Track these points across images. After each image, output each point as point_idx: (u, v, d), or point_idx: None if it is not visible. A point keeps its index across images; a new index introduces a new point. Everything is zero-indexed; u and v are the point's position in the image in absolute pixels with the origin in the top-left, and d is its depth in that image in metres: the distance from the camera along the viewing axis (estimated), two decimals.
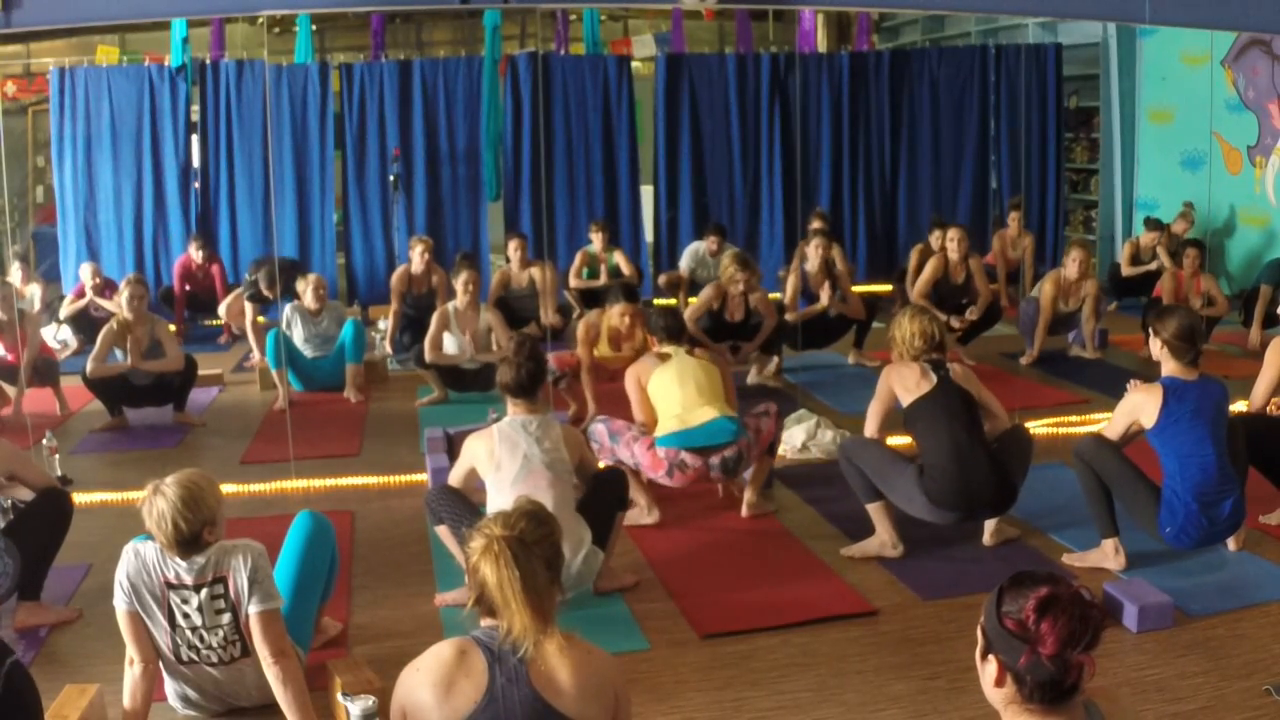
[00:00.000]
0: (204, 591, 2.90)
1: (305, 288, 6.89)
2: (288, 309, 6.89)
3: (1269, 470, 4.28)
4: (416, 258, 7.61)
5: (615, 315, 5.96)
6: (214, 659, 2.98)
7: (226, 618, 2.93)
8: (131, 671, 2.93)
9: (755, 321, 6.64)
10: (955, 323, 7.00)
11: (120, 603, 2.90)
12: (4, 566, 3.58)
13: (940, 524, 4.12)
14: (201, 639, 2.94)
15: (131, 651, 2.93)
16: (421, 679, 2.18)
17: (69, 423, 6.35)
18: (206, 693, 3.05)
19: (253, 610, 2.89)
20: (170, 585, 2.90)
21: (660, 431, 4.47)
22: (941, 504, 4.02)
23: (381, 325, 7.93)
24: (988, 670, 1.85)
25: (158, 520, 2.85)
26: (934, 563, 4.13)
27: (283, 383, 6.61)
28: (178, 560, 2.90)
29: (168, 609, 2.91)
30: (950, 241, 7.30)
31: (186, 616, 2.91)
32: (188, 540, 2.87)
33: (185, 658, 2.97)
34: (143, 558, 2.91)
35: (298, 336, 6.89)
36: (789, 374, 7.05)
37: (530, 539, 2.20)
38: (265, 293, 7.46)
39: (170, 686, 3.07)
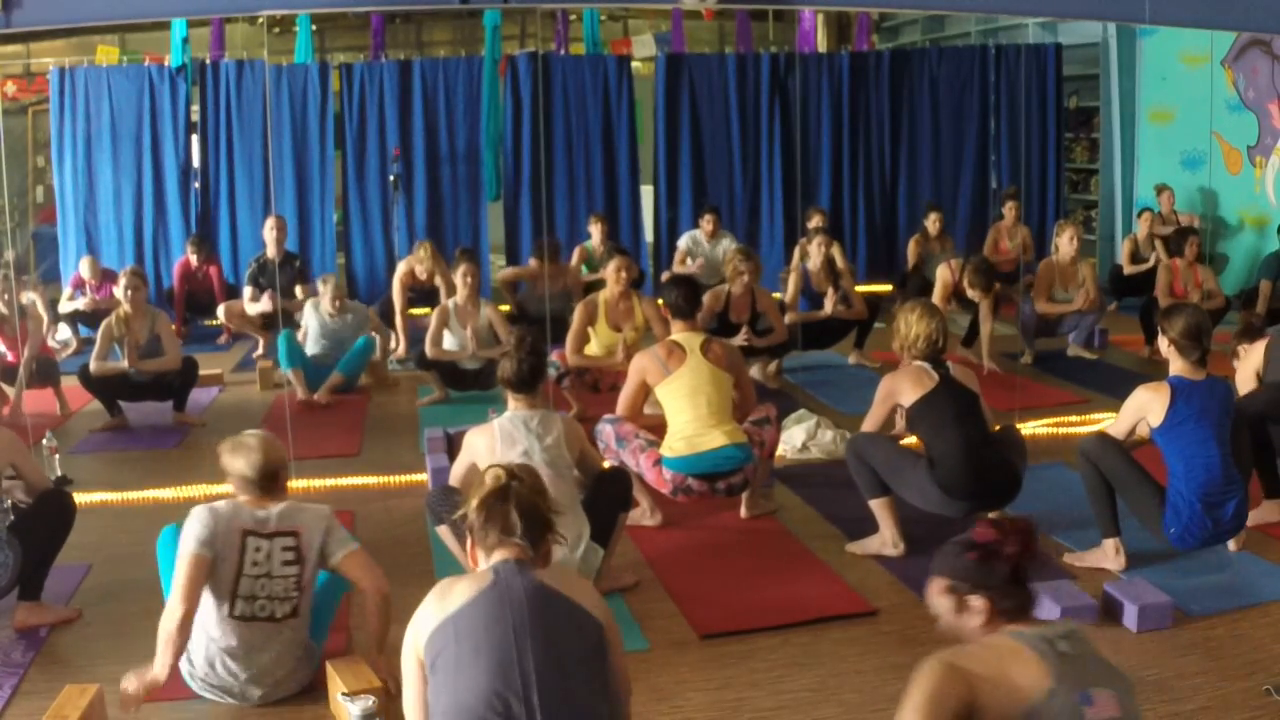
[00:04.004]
0: (277, 541, 3.10)
1: (324, 290, 6.98)
2: (308, 305, 7.00)
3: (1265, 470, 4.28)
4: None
5: (610, 272, 6.19)
6: (265, 614, 3.08)
7: (293, 569, 3.11)
8: (166, 626, 2.97)
9: (763, 327, 6.58)
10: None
11: (191, 545, 3.01)
12: (4, 558, 3.59)
13: (951, 516, 4.08)
14: (263, 587, 3.07)
15: (177, 599, 2.98)
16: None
17: (69, 423, 6.35)
18: (237, 657, 3.08)
19: (343, 555, 3.15)
20: (248, 532, 3.07)
21: (668, 452, 4.37)
22: (955, 493, 4.02)
23: None
24: (973, 614, 2.10)
25: (246, 452, 3.13)
26: None
27: (299, 382, 6.63)
28: (255, 511, 3.11)
29: (239, 554, 3.05)
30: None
31: (256, 564, 3.06)
32: (272, 474, 3.14)
33: (239, 611, 3.06)
34: (217, 510, 3.09)
35: (312, 331, 6.91)
36: (789, 374, 7.05)
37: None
38: (269, 253, 7.56)
39: (199, 655, 3.09)
